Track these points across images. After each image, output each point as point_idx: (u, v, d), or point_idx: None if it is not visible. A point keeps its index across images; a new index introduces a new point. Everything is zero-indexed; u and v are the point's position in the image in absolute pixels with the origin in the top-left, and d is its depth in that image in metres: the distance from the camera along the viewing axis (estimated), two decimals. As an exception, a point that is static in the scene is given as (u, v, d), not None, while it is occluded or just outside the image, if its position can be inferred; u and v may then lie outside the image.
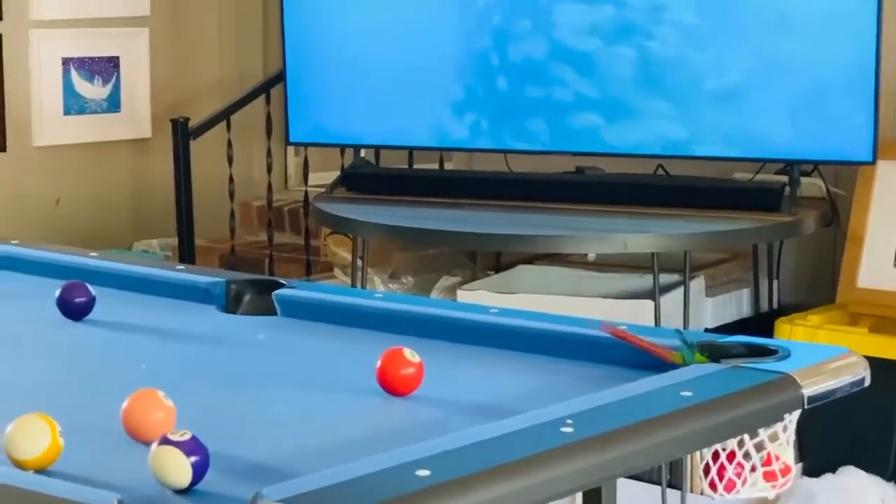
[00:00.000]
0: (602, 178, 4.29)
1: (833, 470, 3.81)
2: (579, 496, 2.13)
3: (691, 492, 3.76)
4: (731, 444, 1.94)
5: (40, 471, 1.68)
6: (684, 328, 3.65)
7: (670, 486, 3.77)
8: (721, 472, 1.95)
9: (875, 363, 2.14)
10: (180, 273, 2.79)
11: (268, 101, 5.24)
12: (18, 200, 5.45)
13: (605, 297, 3.97)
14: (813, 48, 3.89)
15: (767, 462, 1.94)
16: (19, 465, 1.68)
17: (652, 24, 4.05)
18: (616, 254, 4.11)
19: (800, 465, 3.79)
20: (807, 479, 3.79)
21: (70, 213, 5.58)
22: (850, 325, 3.86)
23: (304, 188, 5.39)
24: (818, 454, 3.81)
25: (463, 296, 4.00)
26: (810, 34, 3.89)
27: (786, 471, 1.96)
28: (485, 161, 4.78)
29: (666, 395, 1.90)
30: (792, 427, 1.96)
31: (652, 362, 2.12)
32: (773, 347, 2.11)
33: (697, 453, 1.97)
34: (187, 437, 1.63)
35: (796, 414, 1.97)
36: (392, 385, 2.05)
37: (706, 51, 4.01)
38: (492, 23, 4.24)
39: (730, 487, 1.95)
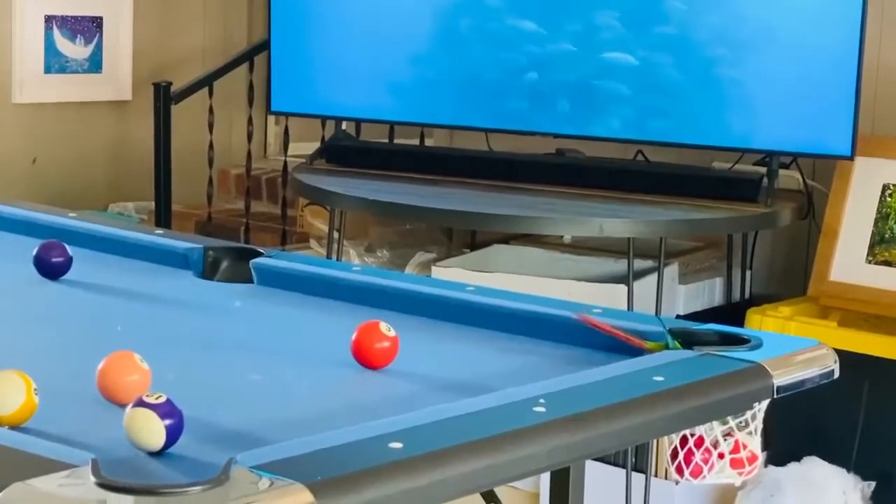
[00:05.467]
0: (581, 162, 4.30)
1: (796, 460, 3.84)
2: (546, 476, 2.15)
3: (655, 476, 3.79)
4: (700, 430, 1.96)
5: (14, 427, 1.68)
6: (656, 314, 3.67)
7: (635, 469, 3.80)
8: (688, 457, 1.97)
9: (843, 356, 2.17)
10: (158, 237, 2.80)
11: (251, 69, 5.24)
12: (-5, 157, 5.44)
13: (578, 279, 3.99)
14: (796, 42, 3.90)
15: (735, 450, 1.96)
16: (-6, 421, 1.68)
17: (637, 12, 4.06)
18: (592, 237, 4.12)
19: (764, 453, 3.82)
20: (773, 467, 3.82)
21: (47, 172, 5.56)
22: (821, 318, 3.89)
23: (282, 158, 5.39)
24: (782, 443, 3.84)
25: (437, 272, 4.01)
26: (794, 27, 3.90)
27: (752, 459, 1.98)
28: (465, 139, 4.78)
29: (638, 379, 1.92)
30: (760, 416, 1.99)
31: (627, 346, 2.14)
32: (745, 337, 2.13)
33: (664, 438, 1.99)
34: (162, 399, 1.63)
35: (765, 403, 1.99)
36: (367, 358, 2.06)
37: (690, 39, 4.02)
38: (479, 0, 4.24)
39: (696, 473, 1.97)
